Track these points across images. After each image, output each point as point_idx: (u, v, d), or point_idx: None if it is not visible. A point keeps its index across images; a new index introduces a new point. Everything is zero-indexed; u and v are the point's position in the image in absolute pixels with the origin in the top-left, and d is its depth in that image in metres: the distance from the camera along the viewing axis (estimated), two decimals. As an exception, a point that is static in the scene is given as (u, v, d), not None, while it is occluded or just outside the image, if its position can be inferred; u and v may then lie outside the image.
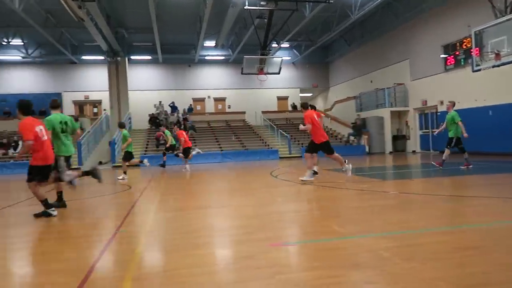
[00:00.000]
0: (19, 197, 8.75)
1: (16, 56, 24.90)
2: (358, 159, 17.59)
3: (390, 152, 21.84)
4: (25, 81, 26.75)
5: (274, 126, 25.22)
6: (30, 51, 24.42)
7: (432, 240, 3.57)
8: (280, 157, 21.11)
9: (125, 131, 12.56)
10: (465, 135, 10.18)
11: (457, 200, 5.89)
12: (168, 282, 2.77)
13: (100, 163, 20.30)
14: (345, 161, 9.04)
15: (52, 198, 6.17)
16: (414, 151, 21.28)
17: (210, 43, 25.31)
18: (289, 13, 17.02)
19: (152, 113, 25.63)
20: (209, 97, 30.00)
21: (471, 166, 10.22)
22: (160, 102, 26.35)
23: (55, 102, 6.63)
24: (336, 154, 8.87)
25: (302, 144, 22.67)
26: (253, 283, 2.68)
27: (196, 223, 4.95)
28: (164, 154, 15.96)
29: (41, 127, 5.61)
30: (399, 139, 22.28)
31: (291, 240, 3.99)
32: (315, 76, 31.78)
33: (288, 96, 31.61)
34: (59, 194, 6.34)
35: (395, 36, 22.27)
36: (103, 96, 26.68)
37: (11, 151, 18.82)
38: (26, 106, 5.53)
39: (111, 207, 6.99)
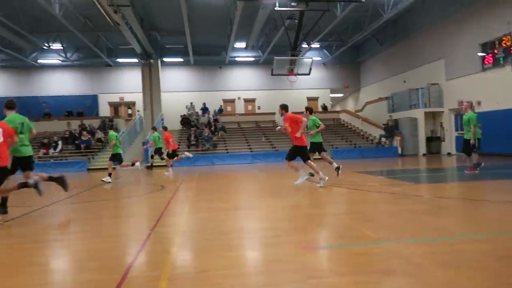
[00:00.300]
0: (60, 195, 9.16)
1: (56, 60, 26.03)
2: (390, 161, 17.23)
3: (424, 154, 21.25)
4: (64, 84, 27.91)
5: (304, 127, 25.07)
6: (69, 55, 25.46)
7: (469, 247, 3.48)
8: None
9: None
10: (472, 141, 9.86)
11: (495, 205, 5.69)
12: (201, 283, 2.85)
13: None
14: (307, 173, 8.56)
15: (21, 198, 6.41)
16: (449, 153, 20.61)
17: (241, 44, 25.51)
18: (320, 13, 16.92)
19: (184, 114, 26.11)
20: (239, 98, 30.24)
21: (477, 171, 9.84)
22: (192, 103, 26.81)
23: (11, 103, 6.42)
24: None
25: (332, 145, 22.43)
26: (285, 287, 2.72)
27: (227, 224, 5.04)
28: (151, 157, 16.06)
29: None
30: (434, 141, 21.63)
31: (322, 244, 3.99)
32: (346, 77, 31.38)
33: (318, 97, 31.37)
34: (3, 200, 6.03)
35: (429, 34, 21.65)
36: (137, 97, 27.43)
37: (51, 151, 19.68)
38: None
39: (145, 207, 7.20)
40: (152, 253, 3.76)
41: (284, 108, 8.42)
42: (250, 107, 30.50)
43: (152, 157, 16.08)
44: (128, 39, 21.00)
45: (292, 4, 16.48)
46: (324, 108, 30.67)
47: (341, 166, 9.62)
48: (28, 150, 6.25)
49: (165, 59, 27.09)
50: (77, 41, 23.11)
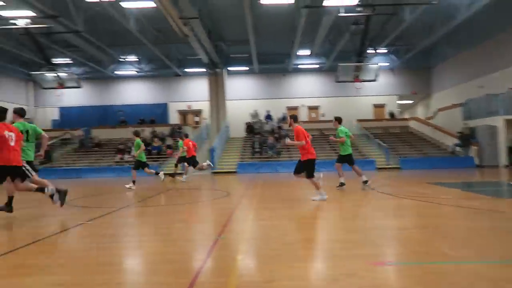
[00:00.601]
0: (132, 199, 9.72)
1: (131, 71, 27.92)
2: (465, 172, 16.02)
3: (506, 166, 19.47)
4: (138, 93, 29.82)
5: (371, 135, 24.25)
6: (142, 66, 27.17)
7: None
8: (377, 168, 20.20)
9: (138, 140, 12.31)
10: None
11: None
12: (269, 293, 2.81)
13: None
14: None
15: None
16: (536, 165, 18.68)
17: (304, 51, 25.42)
18: (386, 17, 16.33)
19: (249, 122, 26.54)
20: (303, 105, 30.09)
21: None
22: (256, 111, 27.20)
23: (23, 111, 6.86)
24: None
25: (400, 154, 21.42)
26: (356, 304, 2.59)
27: (292, 233, 4.97)
28: (175, 165, 16.13)
29: (12, 133, 6.03)
30: (517, 151, 19.78)
31: (394, 260, 3.78)
32: (415, 82, 29.89)
33: (385, 104, 30.21)
34: (10, 199, 6.39)
35: (508, 36, 19.91)
36: (204, 105, 28.45)
37: (126, 156, 21.01)
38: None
39: (212, 212, 7.37)
40: (219, 259, 3.81)
41: (292, 118, 8.15)
42: (313, 115, 30.21)
43: (176, 165, 16.41)
44: (196, 50, 21.90)
45: (358, 9, 16.09)
46: (391, 115, 29.43)
47: (370, 181, 9.54)
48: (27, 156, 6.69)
49: (230, 68, 27.81)
50: (150, 53, 24.58)
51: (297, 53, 24.86)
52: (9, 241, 5.14)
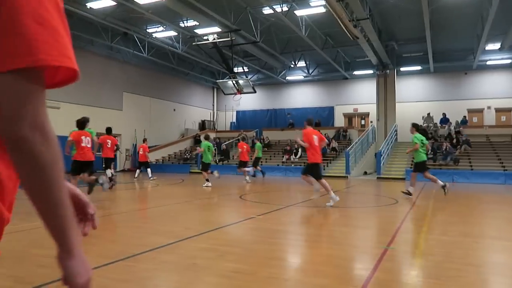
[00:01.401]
0: (297, 198, 10.03)
1: (300, 76, 29.08)
2: None
3: None
4: (305, 97, 30.84)
5: None
6: (310, 71, 27.98)
7: None
8: None
9: (206, 143, 12.84)
10: None
11: None
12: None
13: (365, 173, 20.93)
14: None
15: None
16: None
17: (493, 45, 21.86)
18: None
19: (421, 125, 24.38)
20: (489, 107, 25.95)
21: None
22: (429, 113, 24.78)
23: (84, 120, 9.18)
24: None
25: None
26: None
27: (479, 254, 4.27)
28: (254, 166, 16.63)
29: (88, 138, 8.80)
30: None
31: None
32: None
33: None
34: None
35: None
36: (371, 108, 27.47)
37: (292, 157, 21.96)
38: (80, 123, 8.94)
39: (378, 219, 6.99)
40: (389, 271, 3.54)
41: (307, 121, 8.72)
42: (504, 118, 25.69)
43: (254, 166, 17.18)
44: (365, 51, 21.31)
45: None
46: None
47: (447, 184, 9.65)
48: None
49: (402, 69, 26.07)
50: (318, 58, 25.10)
51: (485, 48, 21.56)
52: (194, 227, 5.90)
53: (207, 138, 13.36)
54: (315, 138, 8.18)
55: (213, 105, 34.27)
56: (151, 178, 15.03)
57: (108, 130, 11.88)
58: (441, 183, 9.58)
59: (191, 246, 4.41)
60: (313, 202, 9.03)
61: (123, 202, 9.39)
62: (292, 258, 4.25)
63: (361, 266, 3.79)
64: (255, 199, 9.53)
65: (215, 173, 13.84)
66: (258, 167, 17.23)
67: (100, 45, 22.01)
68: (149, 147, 17.41)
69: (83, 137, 8.66)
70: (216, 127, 32.66)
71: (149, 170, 15.70)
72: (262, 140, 26.10)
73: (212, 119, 33.51)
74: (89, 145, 8.78)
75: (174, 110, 29.22)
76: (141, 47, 22.04)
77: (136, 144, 24.76)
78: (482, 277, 3.36)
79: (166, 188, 12.04)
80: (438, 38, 21.03)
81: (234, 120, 33.19)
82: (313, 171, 8.25)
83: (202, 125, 32.05)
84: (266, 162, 22.62)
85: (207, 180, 12.38)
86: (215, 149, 23.32)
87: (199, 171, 18.93)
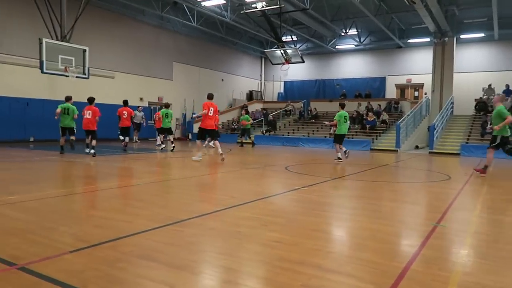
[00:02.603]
0: (343, 171, 9.88)
1: (351, 45, 27.94)
2: None
3: None
4: (356, 67, 29.73)
5: None
6: (362, 39, 26.78)
7: None
8: None
9: (164, 110, 14.79)
10: None
11: None
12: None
13: (417, 147, 20.12)
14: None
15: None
16: None
17: None
18: None
19: (480, 98, 22.80)
20: (562, 79, 23.61)
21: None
22: (490, 85, 23.01)
23: (69, 97, 11.71)
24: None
25: None
26: None
27: (537, 237, 4.00)
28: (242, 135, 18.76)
29: (90, 111, 11.72)
30: None
31: None
32: None
33: None
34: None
35: None
36: (425, 79, 26.02)
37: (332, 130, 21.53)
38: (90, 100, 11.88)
39: (428, 195, 6.73)
40: (437, 249, 3.42)
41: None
42: None
43: (242, 135, 18.75)
44: (422, 18, 19.95)
45: None
46: None
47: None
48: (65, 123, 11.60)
49: (462, 36, 24.21)
50: (370, 25, 23.93)
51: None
52: (239, 196, 6.02)
53: (167, 106, 15.02)
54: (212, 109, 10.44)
55: (260, 75, 34.07)
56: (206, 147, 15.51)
57: (125, 103, 14.10)
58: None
59: (235, 215, 4.51)
60: (359, 176, 8.86)
61: (174, 169, 9.76)
62: (336, 231, 4.23)
63: (407, 243, 3.70)
64: (300, 170, 9.52)
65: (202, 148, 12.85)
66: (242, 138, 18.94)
67: (151, 15, 22.38)
68: (198, 117, 17.83)
69: (86, 111, 11.88)
70: (263, 98, 32.57)
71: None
72: (310, 111, 25.75)
73: (259, 90, 33.41)
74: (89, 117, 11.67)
75: (222, 80, 29.43)
76: (190, 16, 22.14)
77: (185, 114, 25.41)
78: (540, 260, 3.16)
79: (214, 157, 12.32)
80: (505, 2, 19.18)
81: (282, 90, 32.87)
82: (209, 134, 11.24)
83: (250, 96, 32.09)
84: (313, 133, 22.38)
85: (162, 143, 15.55)
86: (262, 120, 23.39)
87: (246, 141, 19.16)
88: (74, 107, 11.63)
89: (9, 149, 13.28)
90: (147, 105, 22.88)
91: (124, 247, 3.19)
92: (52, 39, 14.19)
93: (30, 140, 16.99)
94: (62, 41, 14.43)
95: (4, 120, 16.10)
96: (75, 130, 11.74)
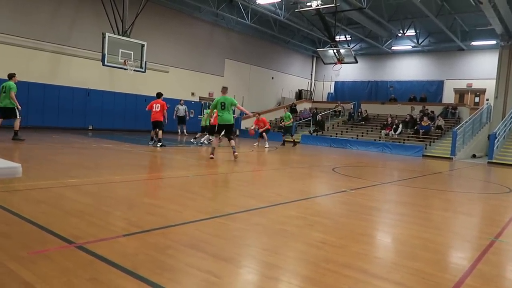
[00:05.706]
0: (394, 176, 9.55)
1: (408, 46, 26.87)
2: None
3: None
4: (411, 69, 28.54)
5: None
6: (420, 40, 25.66)
7: None
8: None
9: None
10: None
11: None
12: None
13: (474, 156, 18.99)
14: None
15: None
16: None
17: None
18: None
19: (549, 107, 21.06)
20: None
21: None
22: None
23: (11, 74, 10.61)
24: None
25: None
26: None
27: None
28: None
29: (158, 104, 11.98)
30: None
31: None
32: None
33: None
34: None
35: None
36: (488, 84, 24.44)
37: (391, 133, 20.79)
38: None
39: (486, 208, 6.33)
40: (495, 265, 3.21)
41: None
42: None
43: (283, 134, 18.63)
44: (488, 19, 18.75)
45: None
46: None
47: None
48: None
49: (533, 39, 22.44)
50: (430, 26, 22.88)
51: None
52: (286, 194, 6.02)
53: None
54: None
55: (311, 74, 33.73)
56: (265, 146, 15.68)
57: (158, 95, 12.45)
58: None
59: (281, 212, 4.52)
60: (410, 182, 8.52)
61: (223, 164, 9.94)
62: (384, 236, 4.10)
63: (462, 255, 3.51)
64: (348, 172, 9.32)
65: None
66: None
67: (206, 12, 22.88)
68: (245, 114, 18.05)
69: (154, 104, 12.05)
70: (312, 97, 32.22)
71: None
72: (360, 113, 25.12)
73: (309, 89, 33.08)
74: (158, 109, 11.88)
75: (272, 78, 29.47)
76: (244, 14, 22.38)
77: (234, 110, 25.75)
78: None
79: (261, 155, 12.40)
80: None
81: (332, 90, 32.32)
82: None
83: (299, 95, 31.88)
84: (362, 136, 21.82)
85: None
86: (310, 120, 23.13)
87: (288, 139, 18.96)
88: (13, 84, 10.43)
89: (70, 136, 14.18)
90: (197, 100, 23.48)
91: (174, 235, 3.30)
92: (114, 34, 14.95)
93: (89, 128, 18.05)
94: (123, 36, 15.17)
95: (67, 108, 17.22)
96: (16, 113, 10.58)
